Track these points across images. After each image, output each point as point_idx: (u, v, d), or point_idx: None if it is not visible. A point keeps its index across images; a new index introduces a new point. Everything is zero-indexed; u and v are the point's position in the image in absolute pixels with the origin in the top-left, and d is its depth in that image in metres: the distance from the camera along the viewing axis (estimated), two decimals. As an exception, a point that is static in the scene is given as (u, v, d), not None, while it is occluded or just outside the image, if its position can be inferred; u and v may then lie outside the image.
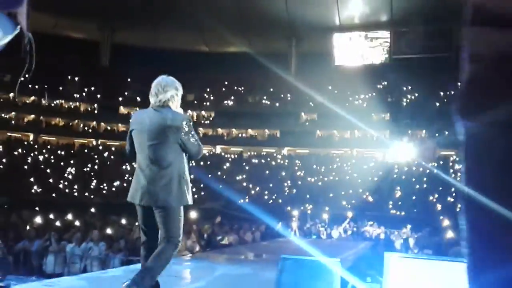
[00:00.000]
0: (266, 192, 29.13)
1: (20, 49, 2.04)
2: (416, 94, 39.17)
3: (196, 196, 27.63)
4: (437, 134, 35.66)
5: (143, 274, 3.09)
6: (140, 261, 3.45)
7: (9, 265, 4.02)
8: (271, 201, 28.36)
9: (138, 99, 43.81)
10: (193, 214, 11.76)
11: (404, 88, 39.74)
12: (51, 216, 14.40)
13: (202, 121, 43.22)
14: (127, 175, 34.06)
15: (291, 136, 40.39)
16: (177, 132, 3.20)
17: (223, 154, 40.89)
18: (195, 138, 3.35)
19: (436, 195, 28.01)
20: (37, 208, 18.37)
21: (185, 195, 3.26)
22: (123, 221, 13.36)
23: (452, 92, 38.85)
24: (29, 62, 2.10)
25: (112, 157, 38.30)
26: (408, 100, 39.18)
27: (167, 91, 3.44)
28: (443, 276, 2.47)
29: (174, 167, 3.21)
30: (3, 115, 39.87)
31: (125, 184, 32.85)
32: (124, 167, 35.40)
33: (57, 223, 11.81)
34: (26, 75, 2.17)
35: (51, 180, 31.73)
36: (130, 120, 3.39)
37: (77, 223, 12.32)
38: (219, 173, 34.83)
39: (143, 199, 3.18)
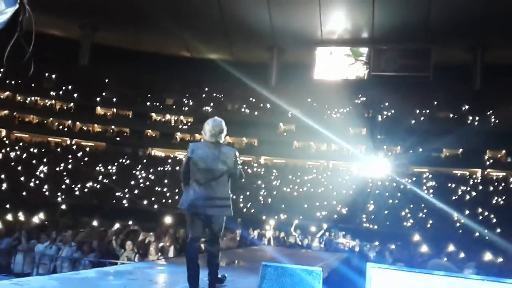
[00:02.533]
0: (241, 200, 29.04)
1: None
2: (393, 111, 39.85)
3: (170, 201, 27.24)
4: (411, 151, 36.35)
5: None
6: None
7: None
8: (245, 209, 28.29)
9: (115, 100, 43.35)
10: (168, 219, 11.64)
11: (381, 105, 40.39)
12: (21, 214, 14.05)
13: (180, 126, 42.96)
14: (100, 177, 33.53)
15: (269, 146, 40.50)
16: (230, 163, 4.25)
17: (199, 160, 40.66)
18: (240, 166, 4.42)
19: (407, 211, 28.45)
20: (7, 206, 17.87)
21: (230, 209, 4.28)
22: (95, 223, 13.11)
23: (428, 111, 39.74)
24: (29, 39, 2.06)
25: (86, 158, 37.65)
26: (384, 116, 39.82)
27: (221, 133, 4.27)
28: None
29: (226, 187, 4.28)
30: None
31: (97, 186, 32.34)
32: (98, 168, 34.84)
33: (27, 222, 11.50)
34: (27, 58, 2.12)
35: (22, 178, 30.96)
36: (189, 150, 4.30)
37: (47, 223, 12.03)
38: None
39: (204, 210, 4.15)
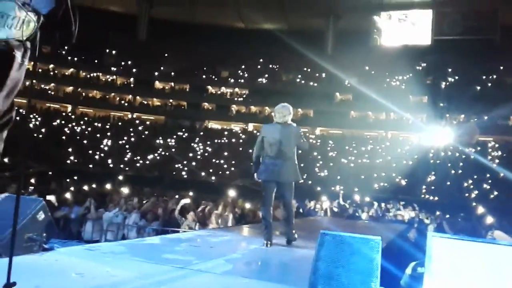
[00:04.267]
0: (297, 171, 29.05)
1: (58, 22, 2.07)
2: (456, 77, 37.96)
3: (227, 173, 27.83)
4: (476, 119, 34.64)
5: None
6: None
7: (54, 229, 4.17)
8: (302, 180, 28.29)
9: (173, 74, 44.19)
10: (232, 192, 11.94)
11: (444, 71, 38.54)
12: (88, 185, 14.86)
13: (236, 98, 43.26)
14: (160, 149, 34.66)
15: (325, 116, 39.97)
16: (297, 138, 5.18)
17: (255, 131, 40.96)
18: (305, 140, 5.33)
19: (470, 181, 27.37)
20: (75, 178, 18.93)
21: (298, 175, 5.21)
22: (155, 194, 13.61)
23: (495, 76, 37.51)
24: (72, 29, 2.13)
25: (146, 131, 38.96)
26: (447, 83, 38.02)
27: (288, 115, 5.24)
28: (491, 260, 2.41)
29: (293, 159, 5.13)
30: (42, 85, 40.95)
31: (158, 158, 33.51)
32: (157, 141, 35.98)
33: (95, 192, 12.17)
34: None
35: (87, 151, 32.59)
36: (261, 130, 5.32)
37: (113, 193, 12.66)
38: (250, 150, 34.95)
39: (277, 177, 5.05)
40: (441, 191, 26.52)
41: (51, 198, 9.10)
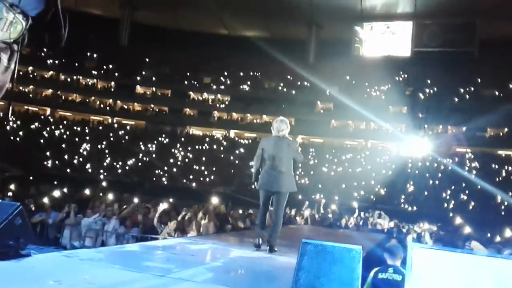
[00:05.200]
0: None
1: (46, 25, 2.04)
2: (435, 89, 38.63)
3: (207, 179, 27.65)
4: (453, 130, 35.27)
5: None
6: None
7: (31, 235, 4.08)
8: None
9: (154, 79, 43.95)
10: (214, 200, 11.89)
11: (423, 82, 39.21)
12: (66, 190, 14.60)
13: (218, 105, 43.22)
14: (140, 154, 34.35)
15: (306, 124, 40.16)
16: (293, 151, 5.44)
17: (236, 138, 40.95)
18: (300, 153, 5.57)
19: (448, 192, 27.80)
20: (53, 182, 18.61)
21: (294, 186, 5.48)
22: (135, 200, 13.46)
23: (473, 89, 38.29)
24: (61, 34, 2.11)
25: (126, 136, 38.59)
26: (426, 94, 38.67)
27: (284, 129, 5.48)
28: (470, 270, 2.45)
29: (290, 170, 5.42)
30: (21, 88, 40.26)
31: (138, 163, 33.19)
32: (138, 146, 35.67)
33: (75, 198, 11.97)
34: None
35: (65, 155, 32.10)
36: (260, 143, 5.63)
37: (92, 198, 12.46)
38: (231, 157, 34.92)
39: (273, 187, 5.34)
40: (419, 201, 26.88)
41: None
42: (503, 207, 25.44)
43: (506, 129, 36.67)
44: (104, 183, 20.60)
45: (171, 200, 12.83)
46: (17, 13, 1.87)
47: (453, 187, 28.05)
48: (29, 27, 1.93)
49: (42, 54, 39.80)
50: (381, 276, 4.54)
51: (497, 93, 37.83)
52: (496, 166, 32.06)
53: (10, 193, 10.81)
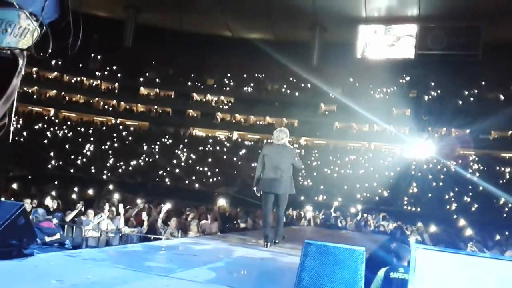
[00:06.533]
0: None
1: (58, 33, 2.09)
2: (439, 91, 38.54)
3: (210, 180, 27.62)
4: (457, 133, 35.15)
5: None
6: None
7: (34, 234, 4.09)
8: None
9: (158, 80, 44.03)
10: (221, 201, 11.92)
11: (427, 85, 39.14)
12: (69, 190, 14.65)
13: (221, 106, 43.25)
14: (143, 155, 34.40)
15: (309, 126, 40.19)
16: (292, 158, 5.96)
17: (240, 140, 40.95)
18: (299, 159, 6.14)
19: (452, 194, 27.72)
20: (56, 182, 18.66)
21: (293, 188, 6.00)
22: (138, 201, 13.48)
23: (476, 91, 38.18)
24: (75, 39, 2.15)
25: (130, 137, 38.65)
26: (430, 97, 38.59)
27: (284, 138, 6.04)
28: (473, 271, 2.45)
29: (288, 174, 5.93)
30: (25, 88, 40.38)
31: (142, 164, 33.23)
32: (141, 147, 35.72)
33: (77, 198, 12.00)
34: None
35: (70, 156, 32.17)
36: (263, 148, 6.23)
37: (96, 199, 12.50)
38: (234, 158, 34.94)
39: (272, 189, 5.89)
40: (422, 203, 26.81)
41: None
42: (506, 209, 25.36)
43: (510, 132, 36.57)
44: (111, 186, 20.55)
45: (173, 200, 12.85)
46: (33, 21, 1.90)
47: (456, 189, 27.98)
48: (42, 35, 1.99)
49: (47, 55, 39.86)
50: (392, 276, 4.54)
51: (501, 95, 37.73)
52: (502, 169, 31.97)
53: (14, 194, 10.84)
